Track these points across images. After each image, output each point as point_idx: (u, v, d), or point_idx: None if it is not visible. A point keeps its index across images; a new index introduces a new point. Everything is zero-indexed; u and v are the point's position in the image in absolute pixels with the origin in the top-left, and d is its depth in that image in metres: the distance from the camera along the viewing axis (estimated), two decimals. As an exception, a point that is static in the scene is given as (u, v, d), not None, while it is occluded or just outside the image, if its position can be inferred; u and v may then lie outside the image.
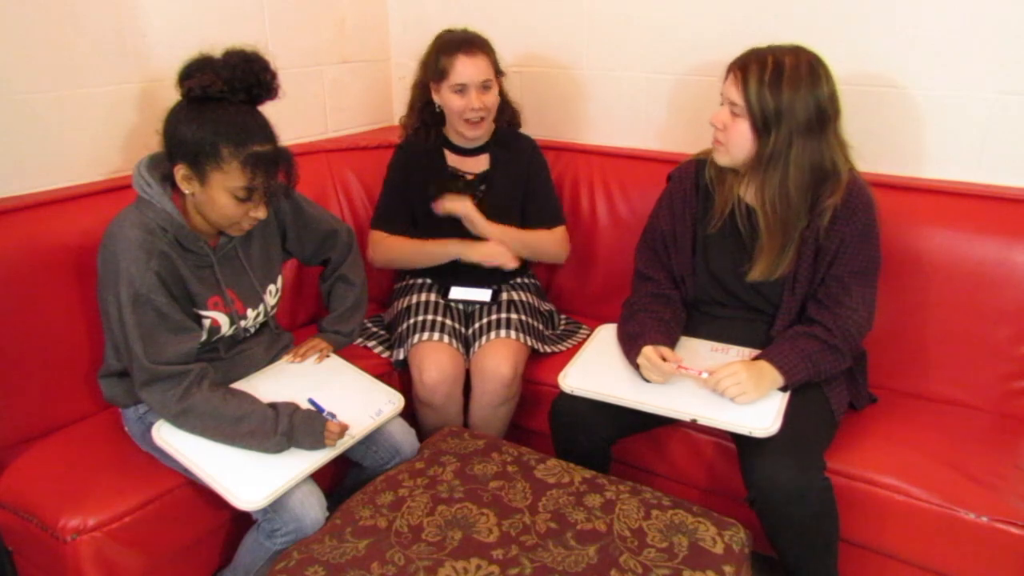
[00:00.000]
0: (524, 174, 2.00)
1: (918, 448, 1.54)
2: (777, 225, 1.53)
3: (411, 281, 2.05)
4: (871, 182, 1.58)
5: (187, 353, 1.42)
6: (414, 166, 1.99)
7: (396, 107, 2.60)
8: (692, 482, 1.72)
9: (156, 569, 1.47)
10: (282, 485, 1.38)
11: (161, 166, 1.43)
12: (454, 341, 1.85)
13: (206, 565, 1.59)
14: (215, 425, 1.41)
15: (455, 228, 1.95)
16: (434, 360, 1.80)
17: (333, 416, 1.49)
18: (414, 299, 1.97)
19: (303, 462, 1.43)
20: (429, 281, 2.03)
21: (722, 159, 1.56)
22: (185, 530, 1.51)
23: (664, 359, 1.52)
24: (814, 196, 1.52)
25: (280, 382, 1.60)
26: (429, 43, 1.93)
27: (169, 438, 1.43)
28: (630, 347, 1.61)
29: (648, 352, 1.53)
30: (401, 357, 1.87)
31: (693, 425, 1.57)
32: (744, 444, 1.48)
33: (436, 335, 1.84)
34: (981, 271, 1.67)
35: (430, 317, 1.89)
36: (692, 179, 1.68)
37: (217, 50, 1.39)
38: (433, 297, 1.97)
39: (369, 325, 2.07)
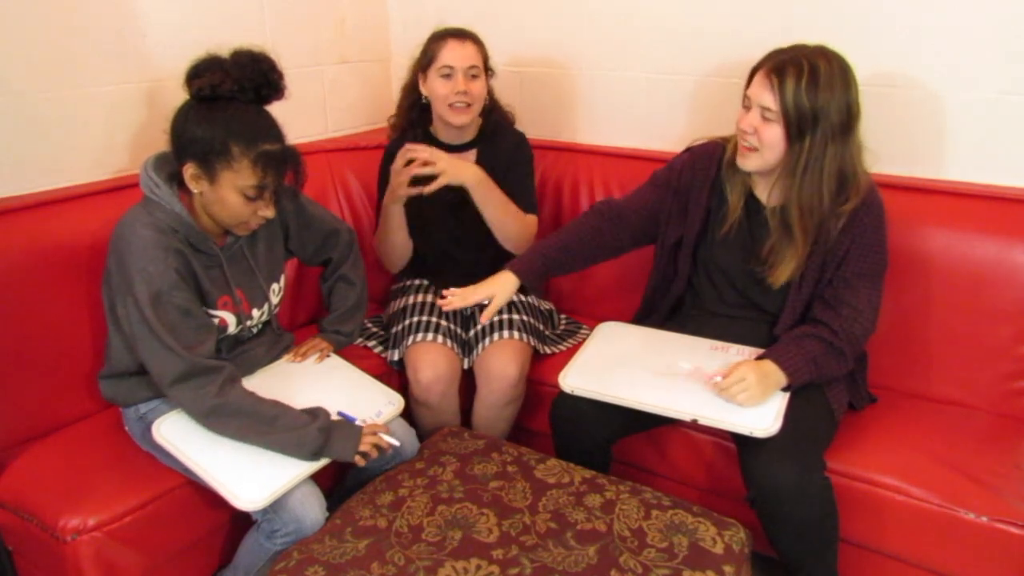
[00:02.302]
0: (506, 165, 1.98)
1: (918, 448, 1.54)
2: (811, 230, 1.52)
3: (408, 282, 2.05)
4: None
5: (212, 348, 1.42)
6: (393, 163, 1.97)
7: (396, 107, 2.60)
8: (692, 482, 1.72)
9: (156, 569, 1.47)
10: (282, 485, 1.38)
11: (167, 165, 1.44)
12: (449, 341, 1.85)
13: (206, 565, 1.59)
14: (248, 424, 1.40)
15: (447, 221, 1.95)
16: (429, 360, 1.80)
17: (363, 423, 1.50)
18: (411, 299, 1.97)
19: (304, 462, 1.43)
20: (427, 282, 2.03)
21: (752, 164, 1.53)
22: (185, 530, 1.50)
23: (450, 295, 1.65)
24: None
25: (281, 382, 1.60)
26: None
27: (169, 436, 1.43)
28: (535, 249, 1.72)
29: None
30: (396, 358, 1.87)
31: (693, 425, 1.57)
32: (744, 444, 1.48)
33: (431, 335, 1.84)
34: (981, 271, 1.67)
35: (425, 318, 1.89)
36: (716, 163, 1.66)
37: (223, 50, 1.39)
38: (430, 298, 1.96)
39: (369, 325, 2.07)
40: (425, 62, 1.89)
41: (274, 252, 1.63)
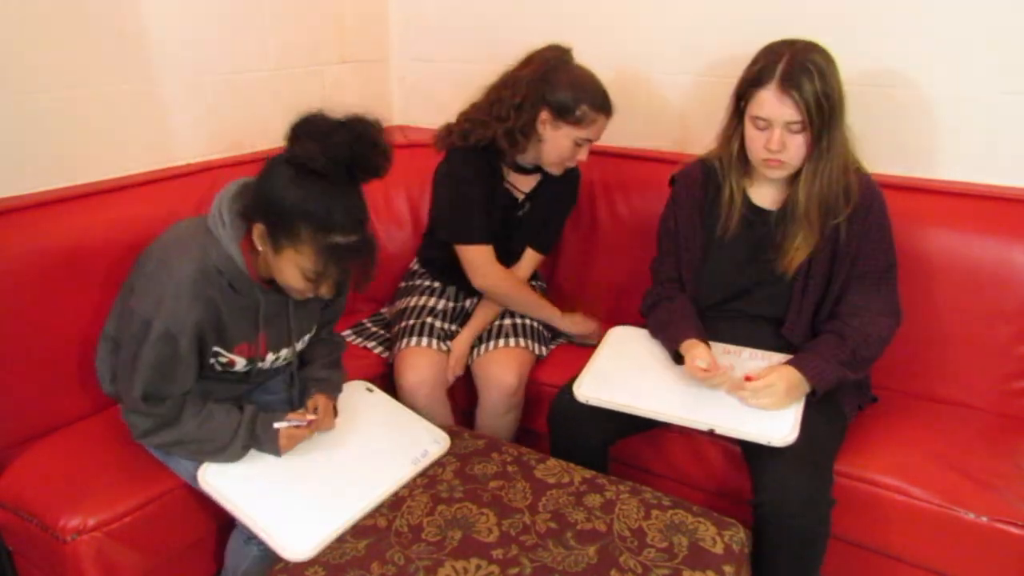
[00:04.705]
0: (557, 198, 1.99)
1: (918, 448, 1.54)
2: (818, 214, 1.52)
3: (419, 281, 2.03)
4: (873, 182, 1.58)
5: (183, 391, 1.39)
6: (475, 170, 1.88)
7: (396, 107, 2.60)
8: (692, 482, 1.72)
9: (156, 569, 1.47)
10: (331, 532, 1.33)
11: (244, 198, 1.37)
12: (443, 346, 1.85)
13: (206, 566, 1.59)
14: (180, 446, 1.40)
15: (506, 232, 1.94)
16: (412, 363, 1.81)
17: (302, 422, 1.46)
18: (412, 301, 1.97)
19: (352, 506, 1.38)
20: (438, 284, 2.01)
21: (781, 173, 1.53)
22: (185, 530, 1.51)
23: (706, 368, 1.50)
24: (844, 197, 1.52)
25: (327, 437, 1.54)
26: (549, 70, 1.77)
27: (215, 483, 1.39)
28: (664, 337, 1.65)
29: (691, 368, 1.52)
30: (391, 360, 1.89)
31: (709, 434, 1.54)
32: (755, 450, 1.45)
33: (424, 340, 1.84)
34: (981, 271, 1.67)
35: (420, 320, 1.89)
36: (700, 183, 1.67)
37: (339, 110, 1.29)
38: (431, 301, 1.96)
39: (368, 325, 2.07)
40: (561, 111, 1.76)
41: (310, 307, 1.55)
